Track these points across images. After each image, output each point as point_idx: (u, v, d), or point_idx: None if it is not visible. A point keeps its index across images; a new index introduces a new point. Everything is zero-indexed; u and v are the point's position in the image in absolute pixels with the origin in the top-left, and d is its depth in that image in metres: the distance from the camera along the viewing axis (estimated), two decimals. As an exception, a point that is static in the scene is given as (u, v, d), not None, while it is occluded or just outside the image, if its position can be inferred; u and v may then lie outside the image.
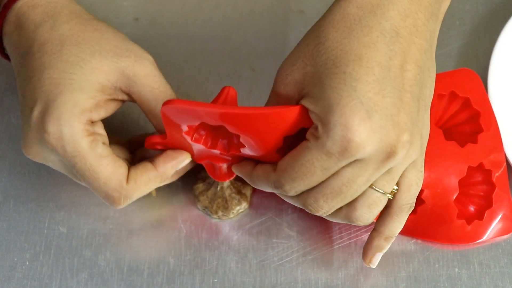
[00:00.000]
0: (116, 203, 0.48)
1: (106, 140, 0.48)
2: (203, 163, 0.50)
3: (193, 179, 0.55)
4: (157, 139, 0.48)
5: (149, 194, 0.55)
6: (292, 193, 0.44)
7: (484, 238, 0.53)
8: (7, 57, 0.51)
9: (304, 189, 0.44)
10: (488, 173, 0.53)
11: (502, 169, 0.53)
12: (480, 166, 0.53)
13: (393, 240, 0.48)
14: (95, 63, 0.46)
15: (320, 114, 0.41)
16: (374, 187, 0.44)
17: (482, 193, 0.54)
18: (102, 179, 0.46)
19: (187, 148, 0.49)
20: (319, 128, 0.41)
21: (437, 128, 0.53)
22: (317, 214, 0.45)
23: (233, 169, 0.49)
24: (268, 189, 0.46)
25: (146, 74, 0.47)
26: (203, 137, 0.46)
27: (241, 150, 0.45)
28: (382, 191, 0.44)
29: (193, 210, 0.54)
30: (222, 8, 0.63)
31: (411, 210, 0.47)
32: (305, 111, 0.42)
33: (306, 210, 0.45)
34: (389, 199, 0.45)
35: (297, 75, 0.43)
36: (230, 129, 0.43)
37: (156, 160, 0.49)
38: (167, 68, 0.58)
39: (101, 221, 0.54)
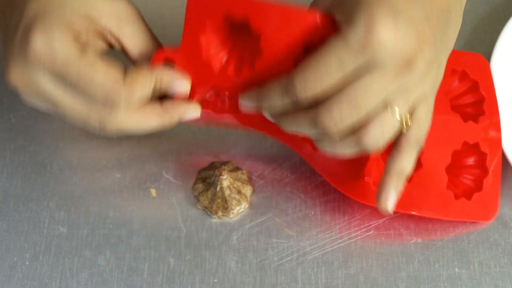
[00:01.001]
0: (116, 104, 0.45)
1: (96, 47, 0.47)
2: (207, 96, 0.49)
3: (193, 179, 0.55)
4: (167, 53, 0.47)
5: (149, 194, 0.55)
6: (304, 97, 0.42)
7: (468, 219, 0.53)
8: None
9: (317, 92, 0.42)
10: (483, 156, 0.54)
11: (496, 159, 0.54)
12: (476, 145, 0.54)
13: (404, 179, 0.47)
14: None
15: (346, 13, 0.40)
16: (389, 106, 0.43)
17: (473, 176, 0.54)
18: (98, 80, 0.44)
19: (196, 69, 0.47)
20: (343, 26, 0.40)
21: (446, 97, 0.54)
22: (329, 130, 0.43)
23: (240, 98, 0.47)
24: (277, 103, 0.44)
25: (134, 20, 0.47)
26: (220, 53, 0.46)
27: (255, 65, 0.45)
28: (396, 113, 0.43)
29: (193, 210, 0.54)
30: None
31: (420, 147, 0.47)
32: (330, 20, 0.42)
33: (316, 132, 0.44)
34: (399, 135, 0.45)
35: None
36: (254, 25, 0.43)
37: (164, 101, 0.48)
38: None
39: (101, 221, 0.54)
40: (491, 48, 0.58)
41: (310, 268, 0.52)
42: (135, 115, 0.47)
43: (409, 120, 0.44)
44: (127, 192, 0.55)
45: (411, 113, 0.45)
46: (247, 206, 0.54)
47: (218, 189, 0.53)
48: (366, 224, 0.54)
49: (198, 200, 0.54)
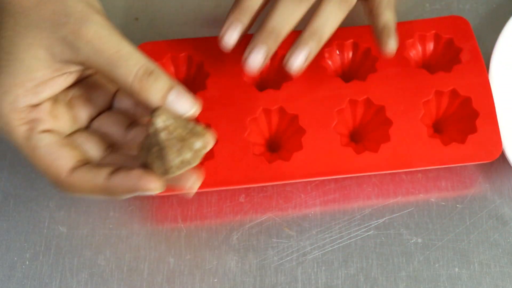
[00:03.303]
0: (59, 190, 0.43)
1: (50, 123, 0.43)
2: None
3: None
4: None
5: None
6: None
7: (466, 162, 0.54)
8: None
9: None
10: (466, 100, 0.55)
11: (486, 100, 0.54)
12: (454, 91, 0.55)
13: (394, 25, 0.50)
14: (32, 37, 0.40)
15: None
16: None
17: (462, 120, 0.55)
18: (40, 168, 0.42)
19: None
20: None
21: (405, 55, 0.56)
22: None
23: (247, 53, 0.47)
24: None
25: (90, 38, 0.40)
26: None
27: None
28: None
29: (193, 210, 0.54)
30: (222, 8, 0.63)
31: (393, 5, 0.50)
32: None
33: None
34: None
35: None
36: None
37: (112, 176, 0.42)
38: (167, 68, 0.58)
39: (101, 220, 0.54)
40: (491, 48, 0.58)
41: (310, 268, 0.52)
42: (76, 190, 0.43)
43: None
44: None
45: None
46: (196, 162, 0.42)
47: (151, 130, 0.41)
48: (366, 224, 0.54)
49: (139, 160, 0.43)
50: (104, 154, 0.45)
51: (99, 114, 0.46)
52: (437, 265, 0.53)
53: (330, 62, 0.57)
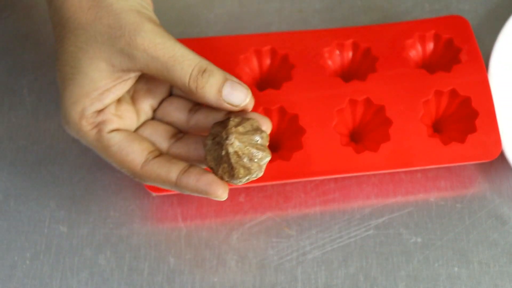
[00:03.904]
0: (138, 181, 0.47)
1: (117, 123, 0.45)
2: None
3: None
4: None
5: (150, 193, 0.55)
6: None
7: (466, 161, 0.54)
8: None
9: None
10: (466, 100, 0.55)
11: (486, 99, 0.55)
12: (454, 91, 0.55)
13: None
14: (92, 52, 0.43)
15: None
16: None
17: (462, 120, 0.55)
18: (117, 165, 0.46)
19: None
20: None
21: (404, 55, 0.57)
22: None
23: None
24: None
25: (145, 47, 0.43)
26: None
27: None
28: None
29: (193, 209, 0.54)
30: (226, 8, 0.63)
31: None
32: None
33: None
34: None
35: None
36: None
37: (184, 175, 0.45)
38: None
39: (101, 220, 0.54)
40: (491, 48, 0.58)
41: (310, 268, 0.52)
42: (149, 181, 0.46)
43: None
44: (127, 192, 0.55)
45: None
46: (260, 174, 0.46)
47: (223, 153, 0.45)
48: (366, 224, 0.54)
49: (206, 158, 0.46)
50: (171, 143, 0.47)
51: (161, 103, 0.48)
52: (436, 264, 0.53)
53: (330, 62, 0.57)
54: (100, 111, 0.45)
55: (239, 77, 0.55)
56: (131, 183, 0.55)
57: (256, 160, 0.45)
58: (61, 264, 0.52)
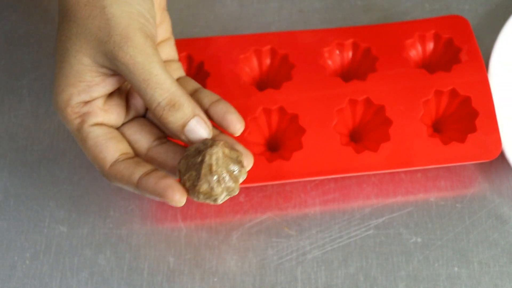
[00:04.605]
0: (105, 179, 0.47)
1: (102, 117, 0.46)
2: None
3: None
4: None
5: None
6: None
7: (466, 161, 0.54)
8: None
9: None
10: (466, 99, 0.55)
11: (486, 99, 0.55)
12: (454, 91, 0.55)
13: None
14: (79, 45, 0.44)
15: None
16: None
17: (462, 120, 0.55)
18: (89, 158, 0.46)
19: None
20: None
21: (405, 54, 0.57)
22: None
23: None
24: None
25: (125, 61, 0.43)
26: None
27: None
28: None
29: (193, 209, 0.54)
30: (226, 8, 0.63)
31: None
32: None
33: None
34: None
35: None
36: None
37: (145, 178, 0.44)
38: (167, 67, 0.58)
39: (101, 220, 0.54)
40: (491, 47, 0.58)
41: (309, 268, 0.52)
42: (115, 181, 0.46)
43: None
44: (127, 191, 0.55)
45: None
46: (214, 203, 0.45)
47: (199, 159, 0.44)
48: (366, 224, 0.54)
49: (180, 161, 0.45)
50: (152, 145, 0.47)
51: None
52: (436, 264, 0.53)
53: (330, 62, 0.58)
54: (87, 102, 0.45)
55: (239, 77, 0.55)
56: (131, 183, 0.55)
57: (223, 185, 0.44)
58: (61, 264, 0.53)
